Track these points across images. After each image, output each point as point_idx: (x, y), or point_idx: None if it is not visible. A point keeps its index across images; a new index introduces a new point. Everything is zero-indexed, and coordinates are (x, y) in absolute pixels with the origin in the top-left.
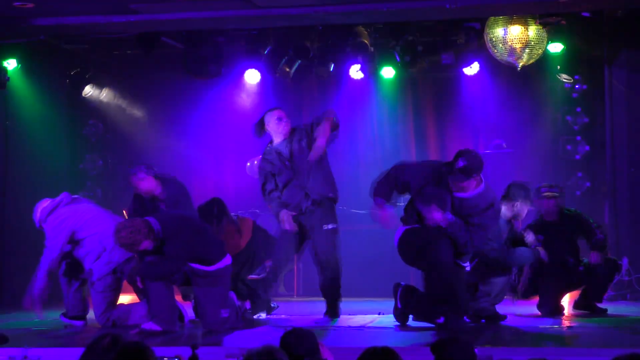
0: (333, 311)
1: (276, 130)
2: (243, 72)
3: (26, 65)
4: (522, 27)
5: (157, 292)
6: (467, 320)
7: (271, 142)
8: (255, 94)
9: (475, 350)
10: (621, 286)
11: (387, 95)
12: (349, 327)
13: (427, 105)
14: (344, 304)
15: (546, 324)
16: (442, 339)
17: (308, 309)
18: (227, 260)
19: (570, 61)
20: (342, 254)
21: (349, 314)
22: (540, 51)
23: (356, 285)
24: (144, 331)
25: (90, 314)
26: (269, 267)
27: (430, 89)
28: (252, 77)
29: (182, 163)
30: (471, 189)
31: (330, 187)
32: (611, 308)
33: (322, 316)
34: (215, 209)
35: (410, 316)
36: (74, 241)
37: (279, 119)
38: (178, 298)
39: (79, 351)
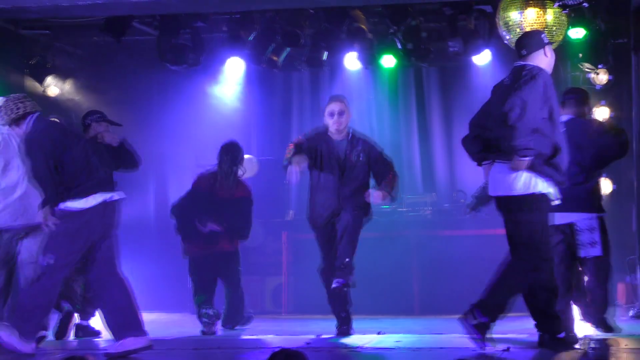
0: (348, 324)
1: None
2: (225, 62)
3: None
4: (540, 10)
5: None
6: None
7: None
8: (238, 86)
9: None
10: None
11: (387, 88)
12: (344, 347)
13: (432, 99)
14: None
15: None
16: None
17: (298, 327)
18: None
19: (594, 48)
20: None
21: None
22: (559, 37)
23: (353, 301)
24: None
25: None
26: None
27: (436, 81)
28: (235, 67)
29: (158, 163)
30: None
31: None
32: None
33: (315, 336)
34: None
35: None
36: None
37: (331, 115)
38: None
39: None
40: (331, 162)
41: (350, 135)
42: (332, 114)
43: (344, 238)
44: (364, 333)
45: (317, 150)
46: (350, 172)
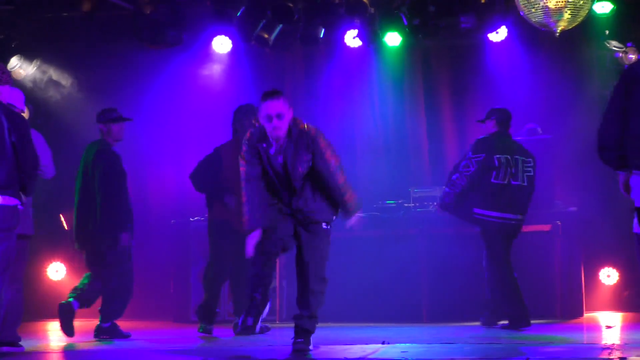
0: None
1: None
2: (210, 40)
3: None
4: None
5: None
6: None
7: None
8: (225, 66)
9: None
10: None
11: (391, 68)
12: (346, 359)
13: (441, 80)
14: (341, 330)
15: None
16: None
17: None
18: None
19: (622, 25)
20: (340, 269)
21: (346, 343)
22: (584, 12)
23: (357, 308)
24: None
25: None
26: None
27: (446, 60)
28: (221, 45)
29: (135, 153)
30: None
31: None
32: None
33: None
34: None
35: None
36: None
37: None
38: None
39: None
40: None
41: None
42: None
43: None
44: (367, 342)
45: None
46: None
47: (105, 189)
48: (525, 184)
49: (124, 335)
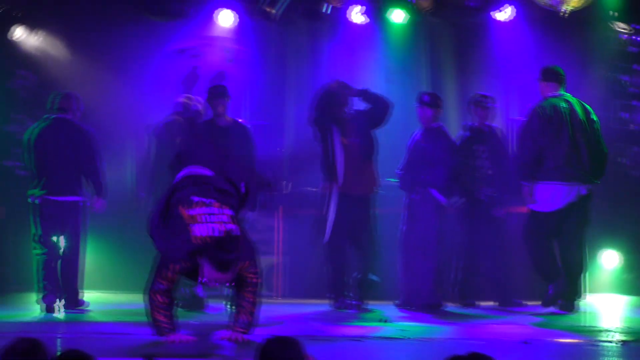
0: None
1: None
2: (214, 13)
3: None
4: None
5: None
6: None
7: None
8: (229, 40)
9: None
10: None
11: (396, 45)
12: (346, 337)
13: (447, 58)
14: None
15: None
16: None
17: (297, 312)
18: None
19: (629, 6)
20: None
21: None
22: None
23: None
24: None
25: None
26: None
27: (451, 38)
28: (225, 18)
29: (138, 128)
30: None
31: None
32: None
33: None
34: None
35: None
36: None
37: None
38: None
39: None
40: None
41: None
42: None
43: None
44: (369, 321)
45: None
46: None
47: None
48: None
49: None
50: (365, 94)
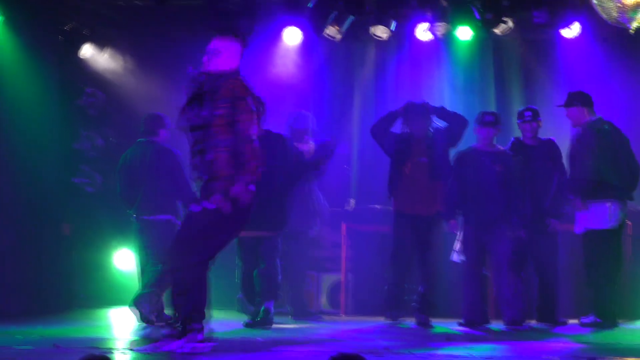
0: None
1: None
2: (281, 31)
3: (11, 18)
4: None
5: None
6: None
7: None
8: (295, 58)
9: None
10: None
11: (462, 62)
12: (414, 355)
13: (513, 76)
14: None
15: None
16: None
17: (359, 329)
18: None
19: None
20: None
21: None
22: None
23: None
24: None
25: None
26: None
27: (518, 55)
28: (292, 36)
29: None
30: None
31: None
32: None
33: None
34: None
35: None
36: None
37: None
38: None
39: None
40: None
41: None
42: None
43: None
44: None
45: None
46: None
47: None
48: None
49: None
50: (442, 112)
